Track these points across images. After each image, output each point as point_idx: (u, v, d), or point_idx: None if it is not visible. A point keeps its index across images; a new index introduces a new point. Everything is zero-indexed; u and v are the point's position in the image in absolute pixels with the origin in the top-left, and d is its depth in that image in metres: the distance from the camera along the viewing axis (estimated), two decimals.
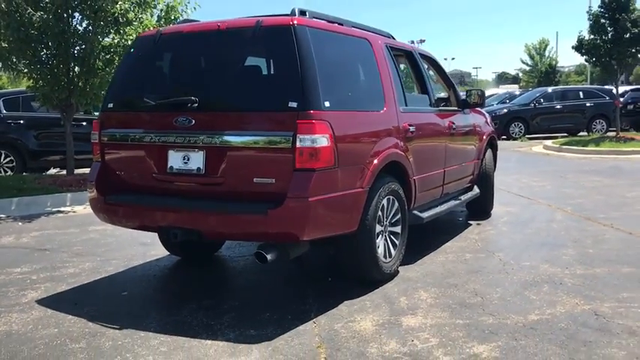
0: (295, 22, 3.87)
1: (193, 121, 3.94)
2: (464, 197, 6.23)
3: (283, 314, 3.89)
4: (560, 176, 10.41)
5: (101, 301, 4.31)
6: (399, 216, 4.69)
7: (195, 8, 9.56)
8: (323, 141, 3.69)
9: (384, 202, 4.45)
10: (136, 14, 8.56)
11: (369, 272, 4.36)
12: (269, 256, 3.78)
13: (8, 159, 10.71)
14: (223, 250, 5.60)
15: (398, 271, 4.75)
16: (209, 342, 3.49)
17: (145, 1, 8.53)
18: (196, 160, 3.95)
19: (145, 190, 4.20)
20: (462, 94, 6.43)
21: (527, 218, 6.89)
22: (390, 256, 4.58)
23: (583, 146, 15.01)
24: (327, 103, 3.77)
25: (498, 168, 11.37)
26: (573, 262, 5.00)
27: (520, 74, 56.81)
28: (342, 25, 4.68)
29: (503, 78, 78.49)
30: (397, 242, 4.69)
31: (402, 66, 5.74)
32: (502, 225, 6.52)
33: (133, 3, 8.44)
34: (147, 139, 4.15)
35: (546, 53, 47.96)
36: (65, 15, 8.39)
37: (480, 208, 6.98)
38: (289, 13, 4.09)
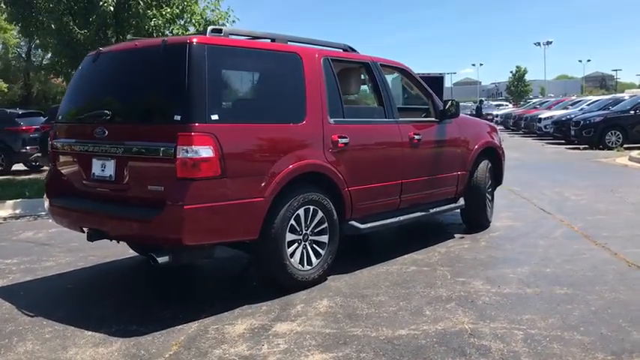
0: (193, 40, 4.16)
1: (106, 132, 4.36)
2: (437, 209, 6.14)
3: (177, 313, 4.19)
4: (610, 190, 9.72)
5: (45, 292, 4.87)
6: (324, 226, 4.80)
7: (234, 21, 10.09)
8: (205, 152, 3.94)
9: (300, 211, 4.59)
10: (171, 30, 9.22)
11: (278, 279, 4.54)
12: (159, 259, 4.09)
13: None
14: None
15: (325, 279, 4.86)
16: (89, 333, 3.87)
17: (179, 16, 9.16)
18: (109, 168, 4.36)
19: (77, 194, 4.68)
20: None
21: (521, 234, 6.62)
22: (310, 264, 4.72)
23: None
24: (214, 117, 4.02)
25: (547, 179, 11.02)
26: (513, 281, 4.83)
27: None
28: (273, 40, 4.90)
29: None
30: (322, 251, 4.79)
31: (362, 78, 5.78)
32: (485, 240, 6.33)
33: (166, 20, 9.11)
34: (78, 148, 4.65)
35: None
36: (106, 32, 9.25)
37: (472, 221, 6.83)
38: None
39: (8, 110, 16.27)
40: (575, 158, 16.07)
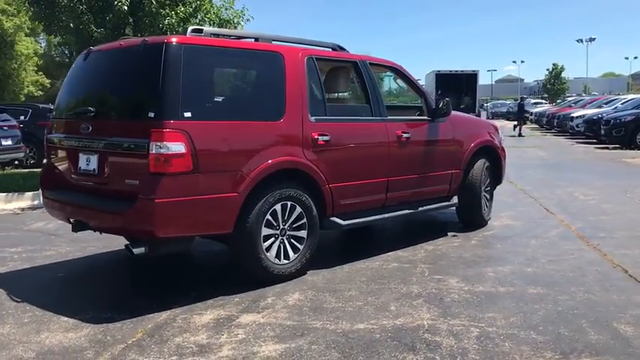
0: (170, 40, 4.31)
1: (90, 128, 4.57)
2: (426, 207, 6.18)
3: (153, 303, 4.35)
4: (624, 191, 9.54)
5: (37, 279, 5.12)
6: (303, 221, 4.91)
7: (248, 20, 10.26)
8: (177, 148, 4.10)
9: (277, 207, 4.72)
10: (184, 28, 9.43)
11: (253, 271, 4.68)
12: (135, 251, 4.27)
13: None
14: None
15: (305, 273, 4.98)
16: (64, 319, 4.07)
17: (192, 15, 9.37)
18: (93, 162, 4.57)
19: (67, 187, 4.91)
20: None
21: (515, 233, 6.60)
22: (288, 258, 4.84)
23: None
24: (187, 114, 4.17)
25: (564, 179, 10.87)
26: (489, 279, 4.86)
27: None
28: (257, 40, 5.04)
29: None
30: (300, 246, 4.91)
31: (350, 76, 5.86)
32: (476, 239, 6.33)
33: (180, 19, 9.34)
34: (67, 143, 4.87)
35: None
36: (122, 30, 9.53)
37: (468, 219, 6.85)
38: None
39: (41, 105, 16.85)
40: (601, 158, 15.74)
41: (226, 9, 10.12)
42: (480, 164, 6.77)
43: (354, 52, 6.01)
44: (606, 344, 3.52)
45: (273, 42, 5.17)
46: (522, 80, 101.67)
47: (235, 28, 10.11)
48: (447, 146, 6.37)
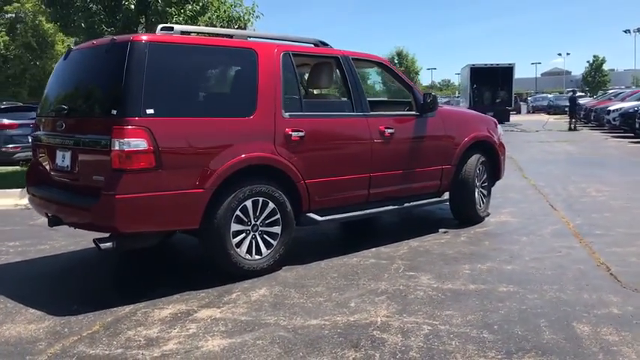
0: (137, 38, 4.39)
1: (64, 126, 4.69)
2: (413, 203, 6.12)
3: (122, 296, 4.45)
4: None
5: (22, 273, 5.29)
6: (276, 217, 4.93)
7: (258, 17, 10.32)
8: (138, 145, 4.17)
9: (248, 203, 4.75)
10: (192, 25, 9.54)
11: (223, 267, 4.72)
12: (102, 245, 4.37)
13: None
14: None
15: (280, 268, 5.01)
16: (32, 311, 4.20)
17: (200, 13, 9.48)
18: (67, 159, 4.69)
19: (46, 183, 5.05)
20: None
21: (509, 230, 6.48)
22: (260, 254, 4.86)
23: None
24: (149, 111, 4.23)
25: (581, 174, 10.62)
26: (463, 277, 4.79)
27: None
28: (231, 37, 5.08)
29: None
30: (273, 242, 4.93)
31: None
32: (466, 236, 6.23)
33: (188, 17, 9.46)
34: (46, 140, 5.01)
35: None
36: (133, 29, 9.71)
37: (461, 216, 6.77)
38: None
39: None
40: (632, 153, 15.22)
41: (235, 6, 10.18)
42: (474, 160, 6.65)
43: (352, 49, 5.97)
44: (557, 344, 3.43)
45: (250, 39, 5.19)
46: (569, 73, 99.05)
47: (245, 25, 10.18)
48: (436, 142, 6.29)
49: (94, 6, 9.70)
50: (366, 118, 5.61)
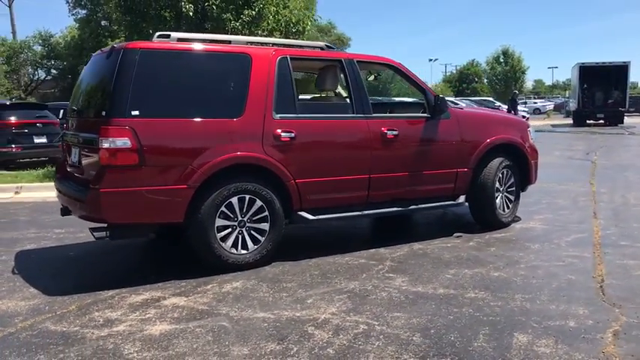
0: (130, 46, 4.79)
1: (74, 125, 5.21)
2: (421, 206, 6.09)
3: (112, 282, 4.85)
4: None
5: (51, 257, 5.88)
6: (264, 214, 5.16)
7: (315, 20, 10.55)
8: (122, 143, 4.56)
9: (234, 200, 5.01)
10: (250, 30, 9.98)
11: (207, 259, 5.01)
12: (95, 234, 4.82)
13: None
14: None
15: (270, 263, 5.23)
16: (30, 290, 4.73)
17: (256, 18, 9.87)
18: (76, 155, 5.19)
19: (66, 177, 5.60)
20: None
21: (528, 237, 6.26)
22: (247, 249, 5.11)
23: None
24: (134, 112, 4.61)
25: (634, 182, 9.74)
26: (441, 281, 4.75)
27: None
28: (229, 42, 5.37)
29: None
30: (261, 238, 5.16)
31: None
32: (477, 241, 6.08)
33: (245, 22, 9.89)
34: (66, 138, 5.57)
35: None
36: None
37: (480, 220, 6.64)
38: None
39: None
40: None
41: (291, 11, 10.46)
42: (496, 163, 6.47)
43: (348, 51, 6.06)
44: (480, 352, 3.37)
45: (249, 44, 5.44)
46: None
47: (303, 29, 10.44)
48: (449, 144, 6.20)
49: (167, 14, 10.37)
50: (366, 119, 5.66)
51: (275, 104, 5.19)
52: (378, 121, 5.73)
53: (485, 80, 60.76)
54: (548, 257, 5.39)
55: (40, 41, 37.70)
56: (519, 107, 33.71)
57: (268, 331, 3.74)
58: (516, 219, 6.97)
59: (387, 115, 6.01)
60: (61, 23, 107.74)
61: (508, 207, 6.73)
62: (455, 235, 6.34)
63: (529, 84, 77.70)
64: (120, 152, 4.55)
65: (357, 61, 5.87)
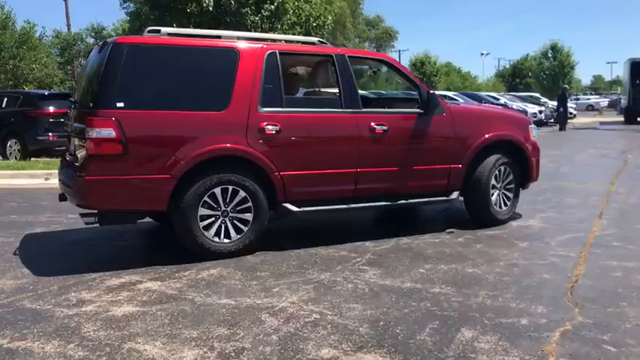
0: (119, 40, 5.02)
1: (72, 116, 5.49)
2: (411, 201, 6.12)
3: (100, 266, 5.10)
4: None
5: (60, 240, 6.21)
6: (248, 205, 5.32)
7: (336, 13, 10.61)
8: (107, 133, 4.79)
9: (217, 190, 5.19)
10: (271, 24, 10.15)
11: (190, 247, 5.21)
12: (84, 220, 5.09)
13: None
14: None
15: (253, 253, 5.39)
16: (22, 270, 5.03)
17: (274, 13, 10.03)
18: (73, 145, 5.47)
19: (65, 166, 5.89)
20: None
21: (521, 235, 6.21)
22: (229, 238, 5.29)
23: None
24: (120, 104, 4.83)
25: None
26: (412, 275, 4.80)
27: None
28: (219, 37, 5.55)
29: None
30: (244, 228, 5.33)
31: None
32: (467, 237, 6.08)
33: (264, 16, 10.06)
34: (67, 128, 5.86)
35: None
36: (217, 28, 10.53)
37: (474, 216, 6.63)
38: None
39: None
40: None
41: (312, 6, 10.56)
42: (492, 160, 6.44)
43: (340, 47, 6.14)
44: (418, 345, 3.42)
45: (240, 40, 5.59)
46: None
47: (324, 23, 10.53)
48: (442, 140, 6.21)
49: (191, 9, 10.65)
50: (354, 114, 5.73)
51: (261, 98, 5.33)
52: (367, 116, 5.80)
53: (529, 75, 59.33)
54: (532, 256, 5.36)
55: (93, 34, 39.01)
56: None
57: (224, 316, 3.88)
58: (517, 216, 6.92)
59: (377, 110, 6.06)
60: (114, 16, 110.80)
61: (506, 204, 6.68)
62: (447, 230, 6.35)
63: (585, 79, 75.12)
64: (104, 142, 4.78)
65: (350, 57, 5.95)
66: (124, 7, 33.75)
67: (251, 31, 10.16)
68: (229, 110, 5.21)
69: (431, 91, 6.05)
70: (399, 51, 66.30)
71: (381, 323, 3.76)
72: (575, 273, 4.82)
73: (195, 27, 10.67)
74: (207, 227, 5.20)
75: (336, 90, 5.79)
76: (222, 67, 5.31)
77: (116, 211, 5.09)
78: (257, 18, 10.04)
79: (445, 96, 22.17)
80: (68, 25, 39.63)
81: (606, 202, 7.99)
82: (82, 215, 5.12)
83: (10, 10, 26.89)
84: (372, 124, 5.77)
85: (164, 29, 5.37)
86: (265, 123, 5.30)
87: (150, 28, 5.35)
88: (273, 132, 5.33)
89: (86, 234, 6.41)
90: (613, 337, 3.53)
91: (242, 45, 5.47)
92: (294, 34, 10.53)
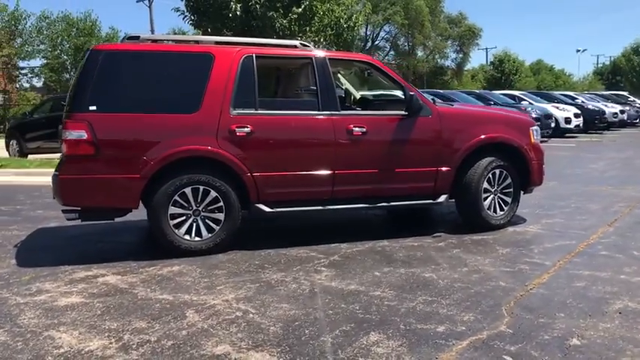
0: (96, 47, 5.35)
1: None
2: (393, 203, 6.07)
3: (78, 260, 5.45)
4: None
5: (58, 234, 6.66)
6: (219, 204, 5.50)
7: (366, 16, 10.61)
8: (79, 135, 5.12)
9: (187, 190, 5.40)
10: (300, 27, 10.28)
11: (161, 243, 5.45)
12: (66, 216, 5.45)
13: None
14: None
15: (225, 251, 5.56)
16: (9, 261, 5.45)
17: (302, 16, 10.15)
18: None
19: None
20: None
21: (513, 241, 6.00)
22: (200, 236, 5.49)
23: None
24: (92, 107, 5.14)
25: None
26: (363, 278, 4.78)
27: None
28: (197, 43, 5.76)
29: None
30: (216, 227, 5.52)
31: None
32: (451, 242, 5.94)
33: (291, 20, 10.21)
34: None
35: None
36: (246, 33, 10.79)
37: (466, 219, 6.49)
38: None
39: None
40: None
41: (344, 9, 10.58)
42: (484, 163, 6.27)
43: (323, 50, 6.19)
44: (314, 346, 3.45)
45: (219, 44, 5.77)
46: None
47: (354, 25, 10.54)
48: (427, 142, 6.11)
49: (224, 13, 10.99)
50: (331, 116, 5.77)
51: (233, 101, 5.48)
52: (344, 119, 5.81)
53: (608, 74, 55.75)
54: (503, 263, 5.18)
55: None
56: None
57: (152, 311, 4.06)
58: (519, 221, 6.70)
59: (356, 112, 6.05)
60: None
61: (502, 209, 6.47)
62: (434, 234, 6.23)
63: None
64: (77, 143, 5.10)
65: (332, 59, 5.99)
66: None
67: (280, 34, 10.35)
68: (200, 112, 5.39)
69: (412, 93, 5.96)
70: (486, 49, 64.55)
71: (296, 323, 3.80)
72: (536, 282, 4.63)
73: (227, 30, 10.97)
74: (179, 225, 5.40)
75: (313, 92, 5.81)
76: (196, 71, 5.50)
77: (92, 209, 5.38)
78: (285, 21, 10.19)
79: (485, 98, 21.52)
80: (152, 31, 41.63)
81: (630, 209, 7.52)
82: (64, 212, 5.47)
83: (95, 17, 28.56)
84: (350, 126, 5.78)
85: (143, 35, 5.64)
86: (236, 125, 5.44)
87: (129, 35, 5.63)
88: (244, 134, 5.46)
89: (88, 229, 6.80)
90: (521, 348, 3.41)
91: (218, 49, 5.64)
92: (325, 36, 10.62)
